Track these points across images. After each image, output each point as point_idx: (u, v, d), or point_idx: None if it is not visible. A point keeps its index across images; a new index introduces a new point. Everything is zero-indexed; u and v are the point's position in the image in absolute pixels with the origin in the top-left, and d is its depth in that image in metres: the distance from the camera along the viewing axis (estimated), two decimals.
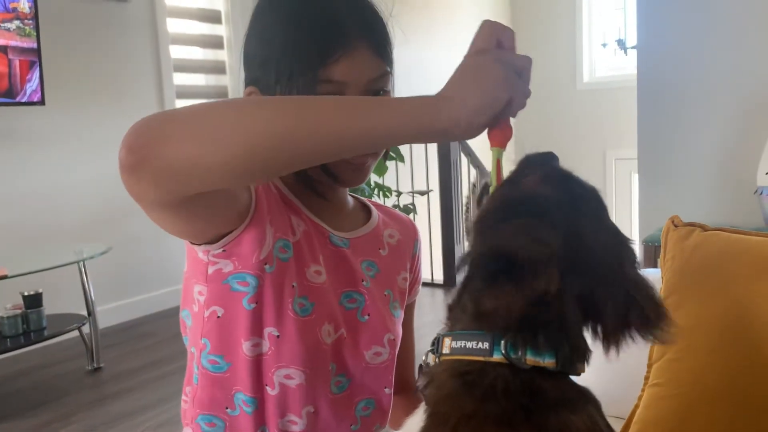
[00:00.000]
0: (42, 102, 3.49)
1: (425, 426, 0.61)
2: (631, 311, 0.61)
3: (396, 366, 1.00)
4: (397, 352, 0.94)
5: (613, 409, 0.77)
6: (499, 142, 0.68)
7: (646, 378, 1.09)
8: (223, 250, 0.78)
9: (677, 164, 3.18)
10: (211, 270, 0.80)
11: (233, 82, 4.58)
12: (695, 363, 0.99)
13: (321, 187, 0.88)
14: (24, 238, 3.50)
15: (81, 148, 3.82)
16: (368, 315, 0.89)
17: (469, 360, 0.60)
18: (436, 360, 0.65)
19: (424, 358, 0.67)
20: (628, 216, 6.70)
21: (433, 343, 0.66)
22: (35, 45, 3.41)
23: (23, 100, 3.42)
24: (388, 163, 4.53)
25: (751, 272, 0.98)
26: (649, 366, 1.09)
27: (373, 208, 1.00)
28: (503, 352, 0.58)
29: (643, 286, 0.63)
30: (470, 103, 0.62)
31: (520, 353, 0.59)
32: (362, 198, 1.02)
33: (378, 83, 0.82)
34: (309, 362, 0.82)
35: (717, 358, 0.97)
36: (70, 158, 3.78)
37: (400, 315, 0.96)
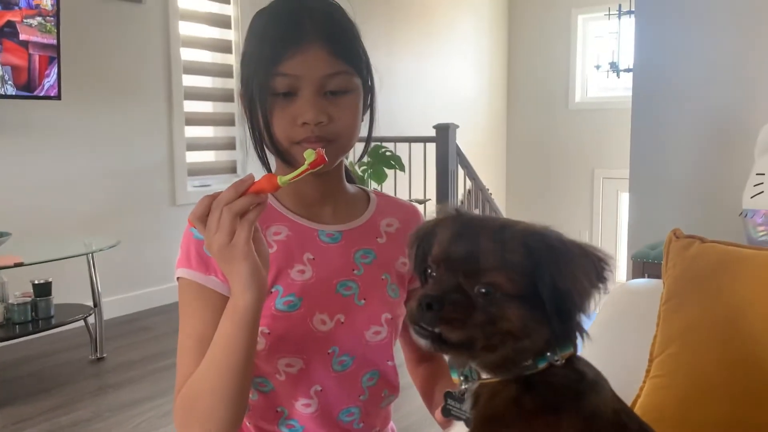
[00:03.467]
0: (58, 97, 3.58)
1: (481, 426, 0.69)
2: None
3: None
4: (396, 330, 1.04)
5: None
6: (270, 189, 0.79)
7: (647, 371, 1.22)
8: None
9: (667, 184, 3.33)
10: None
11: (239, 86, 4.68)
12: (694, 357, 1.12)
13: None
14: (35, 227, 3.59)
15: (93, 142, 3.92)
16: (364, 299, 0.99)
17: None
18: (467, 386, 0.72)
19: (456, 391, 0.74)
20: (614, 232, 6.89)
21: (467, 374, 0.73)
22: (55, 41, 3.50)
23: (41, 94, 3.51)
24: (388, 171, 4.66)
25: (746, 279, 1.11)
26: (650, 361, 1.22)
27: (373, 198, 1.10)
28: (548, 359, 0.69)
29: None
30: (243, 288, 0.81)
31: (557, 357, 0.69)
32: (367, 189, 1.12)
33: (333, 81, 0.92)
34: (304, 349, 0.95)
35: (714, 353, 1.10)
36: (83, 152, 3.88)
37: (401, 295, 1.05)
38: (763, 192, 2.86)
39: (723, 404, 1.07)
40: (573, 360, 0.70)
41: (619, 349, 1.40)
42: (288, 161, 0.95)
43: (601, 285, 0.68)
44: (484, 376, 0.70)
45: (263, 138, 0.95)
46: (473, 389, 0.71)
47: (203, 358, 0.86)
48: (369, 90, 0.99)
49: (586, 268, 0.67)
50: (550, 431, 0.66)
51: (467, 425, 0.71)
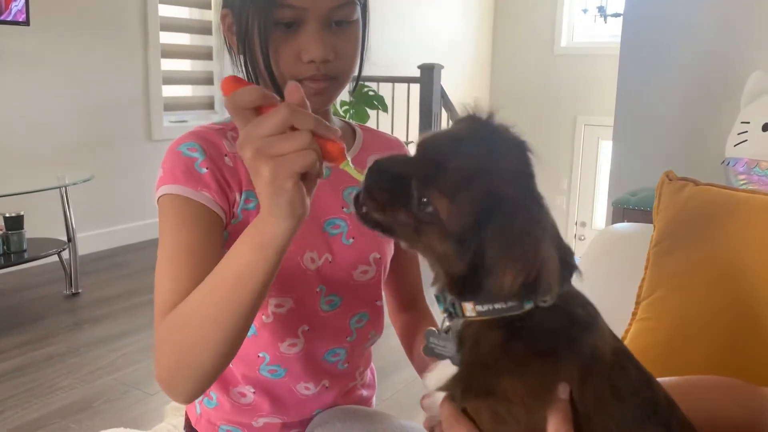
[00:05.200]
0: (27, 23, 3.42)
1: (470, 375, 0.64)
2: None
3: (404, 282, 1.10)
4: (385, 269, 1.01)
5: None
6: (334, 157, 0.67)
7: (634, 314, 1.21)
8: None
9: (651, 131, 3.31)
10: None
11: (216, 16, 4.53)
12: (682, 300, 1.11)
13: None
14: (5, 160, 3.47)
15: (64, 72, 3.77)
16: (353, 238, 0.96)
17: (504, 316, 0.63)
18: (451, 323, 0.67)
19: (440, 326, 0.70)
20: (593, 178, 6.92)
21: (450, 310, 0.67)
22: None
23: (8, 19, 3.34)
24: (370, 111, 4.58)
25: (740, 223, 1.09)
26: (637, 304, 1.21)
27: (359, 133, 1.04)
28: (535, 301, 0.62)
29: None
30: (278, 212, 0.66)
31: (547, 297, 0.62)
32: (352, 123, 1.07)
33: (339, 12, 0.85)
34: (294, 288, 0.92)
35: (702, 296, 1.09)
36: (53, 83, 3.73)
37: None
38: (746, 140, 2.85)
39: (708, 347, 1.07)
40: (566, 297, 0.64)
41: (604, 292, 1.39)
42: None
43: (523, 292, 0.59)
44: (468, 313, 0.65)
45: (260, 74, 0.87)
46: (458, 328, 0.67)
47: (202, 283, 0.73)
48: (366, 21, 0.93)
49: (525, 266, 0.58)
50: (547, 375, 0.62)
51: (453, 363, 0.66)
